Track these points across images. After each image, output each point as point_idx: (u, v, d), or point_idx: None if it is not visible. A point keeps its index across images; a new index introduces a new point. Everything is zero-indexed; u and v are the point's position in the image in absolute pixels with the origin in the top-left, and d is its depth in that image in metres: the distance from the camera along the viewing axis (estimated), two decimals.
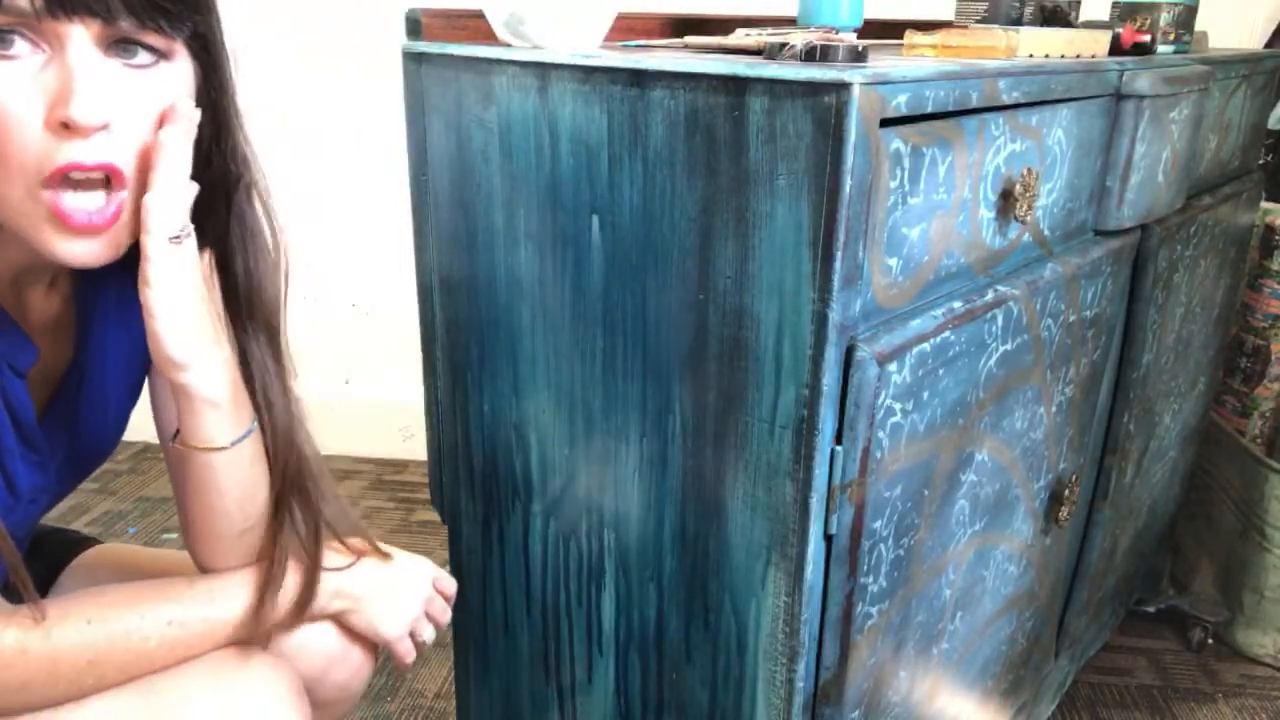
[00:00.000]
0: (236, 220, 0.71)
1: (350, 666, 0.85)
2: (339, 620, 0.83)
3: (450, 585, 0.90)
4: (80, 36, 0.55)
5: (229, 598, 0.75)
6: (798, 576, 0.74)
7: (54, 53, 0.55)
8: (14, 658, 0.65)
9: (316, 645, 0.82)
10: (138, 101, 0.58)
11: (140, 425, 0.88)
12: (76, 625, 0.68)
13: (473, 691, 1.09)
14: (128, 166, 0.59)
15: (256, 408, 0.73)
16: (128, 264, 0.70)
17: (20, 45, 0.55)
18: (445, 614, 0.89)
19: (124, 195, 0.60)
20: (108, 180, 0.59)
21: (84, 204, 0.58)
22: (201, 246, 0.71)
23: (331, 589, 0.81)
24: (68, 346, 0.75)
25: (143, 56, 0.58)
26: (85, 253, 0.60)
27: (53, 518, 0.93)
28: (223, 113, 0.67)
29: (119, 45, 0.57)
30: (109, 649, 0.69)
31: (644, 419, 0.81)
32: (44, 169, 0.56)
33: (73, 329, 0.74)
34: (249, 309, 0.73)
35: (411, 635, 0.86)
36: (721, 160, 0.70)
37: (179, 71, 0.61)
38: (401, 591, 0.85)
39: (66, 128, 0.55)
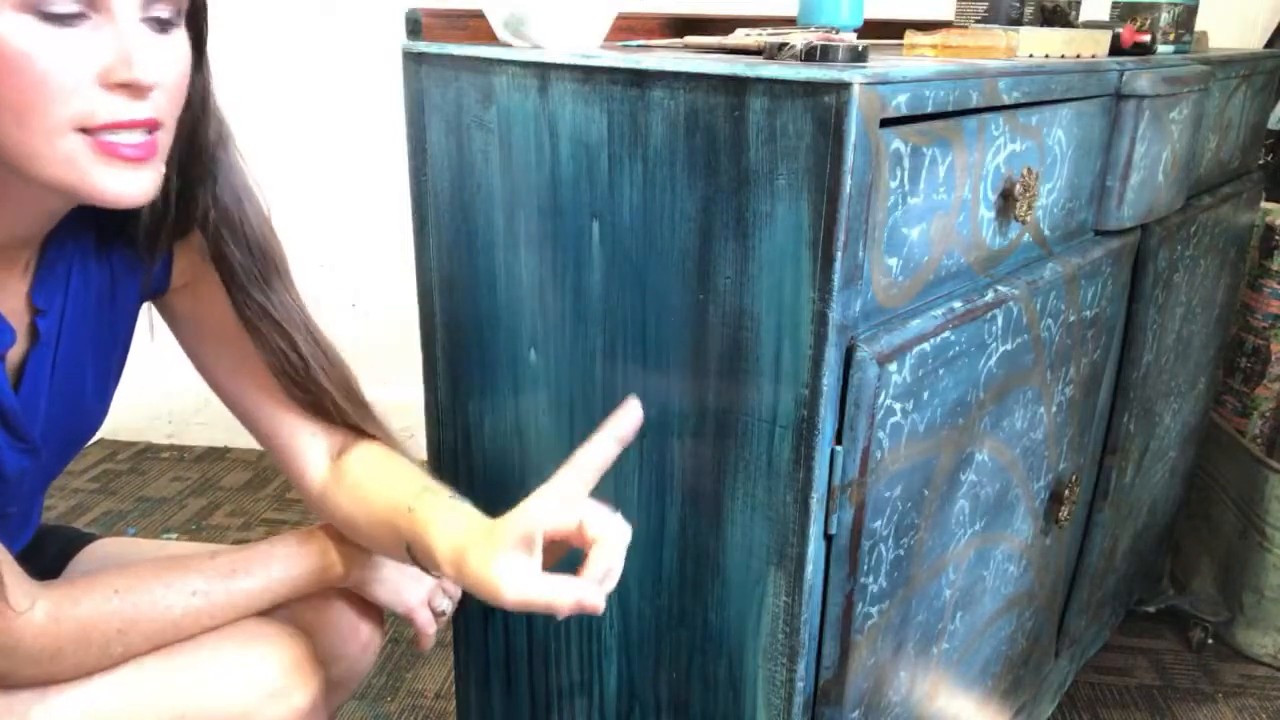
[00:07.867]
0: (233, 173, 0.76)
1: (360, 640, 0.89)
2: (360, 591, 0.87)
3: None
4: (130, 4, 0.60)
5: (251, 570, 0.79)
6: (798, 576, 0.74)
7: (103, 18, 0.59)
8: (48, 626, 0.69)
9: (329, 620, 0.86)
10: (169, 61, 0.63)
11: (141, 426, 0.88)
12: (104, 595, 0.72)
13: (473, 691, 1.09)
14: (160, 113, 0.63)
15: (303, 344, 0.81)
16: (92, 237, 0.76)
17: (72, 11, 0.59)
18: (456, 589, 0.93)
19: (159, 133, 0.64)
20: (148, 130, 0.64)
21: (128, 139, 0.62)
22: (200, 217, 0.76)
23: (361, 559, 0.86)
24: (35, 327, 0.75)
25: (163, 21, 0.63)
26: (135, 184, 0.63)
27: (52, 518, 0.93)
28: (207, 76, 0.72)
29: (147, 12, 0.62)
30: (136, 618, 0.73)
31: (643, 419, 0.81)
32: (88, 121, 0.60)
33: (36, 309, 0.74)
34: (270, 257, 0.78)
35: (430, 607, 0.90)
36: (721, 160, 0.70)
37: (185, 37, 0.66)
38: None
39: (123, 87, 0.60)
